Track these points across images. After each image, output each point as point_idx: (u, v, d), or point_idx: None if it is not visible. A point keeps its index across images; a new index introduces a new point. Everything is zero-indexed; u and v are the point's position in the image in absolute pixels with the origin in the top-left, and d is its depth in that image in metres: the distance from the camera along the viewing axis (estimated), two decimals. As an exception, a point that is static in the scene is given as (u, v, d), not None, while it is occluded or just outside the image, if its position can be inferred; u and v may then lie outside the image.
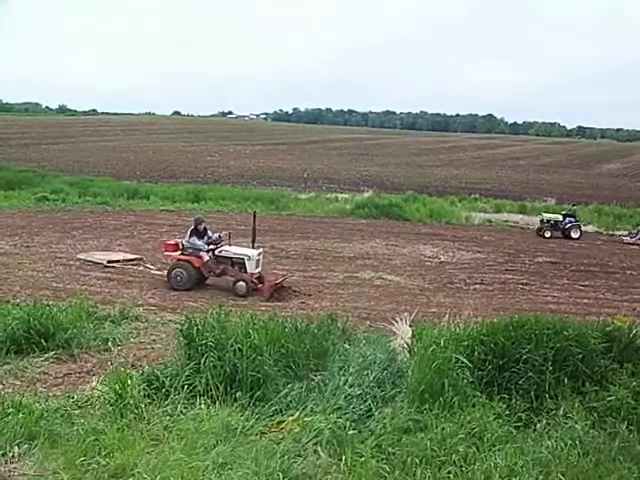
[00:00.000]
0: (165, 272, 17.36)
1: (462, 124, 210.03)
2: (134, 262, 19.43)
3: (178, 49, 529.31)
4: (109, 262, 18.99)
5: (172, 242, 17.54)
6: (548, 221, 30.94)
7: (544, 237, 30.10)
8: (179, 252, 17.13)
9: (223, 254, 17.07)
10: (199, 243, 16.92)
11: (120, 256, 19.98)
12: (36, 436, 7.16)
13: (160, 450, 6.86)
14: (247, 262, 16.76)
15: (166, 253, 17.71)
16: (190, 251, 16.92)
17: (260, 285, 16.60)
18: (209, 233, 17.39)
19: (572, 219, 30.80)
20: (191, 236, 17.02)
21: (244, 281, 16.44)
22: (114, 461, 6.56)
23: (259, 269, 17.12)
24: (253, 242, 17.67)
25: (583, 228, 32.05)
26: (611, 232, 32.20)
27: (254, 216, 18.31)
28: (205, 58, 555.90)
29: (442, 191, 44.07)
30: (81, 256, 19.64)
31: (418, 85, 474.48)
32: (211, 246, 17.09)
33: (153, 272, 18.34)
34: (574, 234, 30.31)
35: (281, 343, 9.45)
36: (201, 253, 16.82)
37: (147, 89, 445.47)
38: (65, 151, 62.12)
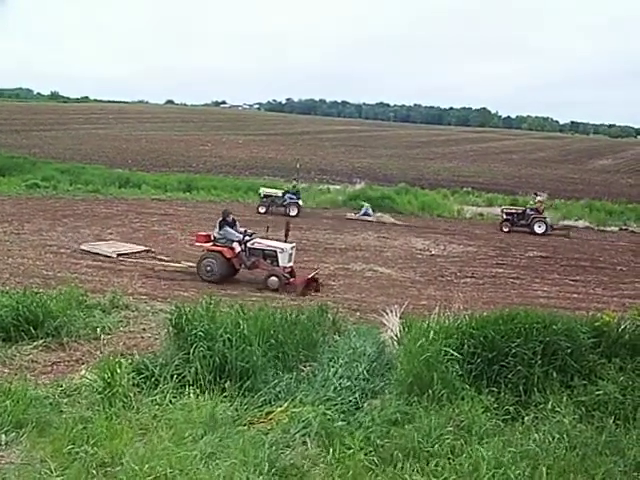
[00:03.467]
0: (182, 264, 17.25)
1: (456, 117, 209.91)
2: (142, 254, 19.21)
3: (172, 38, 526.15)
4: (119, 255, 18.68)
5: (204, 233, 17.40)
6: (267, 196, 29.95)
7: (259, 213, 29.12)
8: (211, 243, 16.93)
9: (255, 246, 16.90)
10: (234, 233, 16.77)
11: (127, 248, 19.69)
12: (24, 424, 7.15)
13: (148, 439, 6.86)
14: (279, 255, 16.58)
15: (197, 244, 17.48)
16: (222, 242, 16.74)
17: (292, 279, 16.46)
18: (237, 226, 17.24)
19: (293, 196, 29.87)
20: (222, 227, 16.83)
21: (276, 276, 16.24)
22: (102, 450, 6.54)
23: (291, 263, 16.91)
24: (286, 236, 17.44)
25: (574, 223, 32.04)
26: (602, 228, 32.21)
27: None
28: (199, 47, 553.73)
29: (434, 184, 44.09)
30: (85, 247, 19.32)
31: (412, 78, 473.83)
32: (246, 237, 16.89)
33: (172, 265, 18.02)
34: (292, 211, 29.36)
35: (271, 334, 9.46)
36: (234, 244, 16.66)
37: (140, 77, 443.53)
38: (57, 138, 61.75)
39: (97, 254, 18.67)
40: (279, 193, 29.97)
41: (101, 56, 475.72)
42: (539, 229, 29.40)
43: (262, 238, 17.25)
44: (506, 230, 29.49)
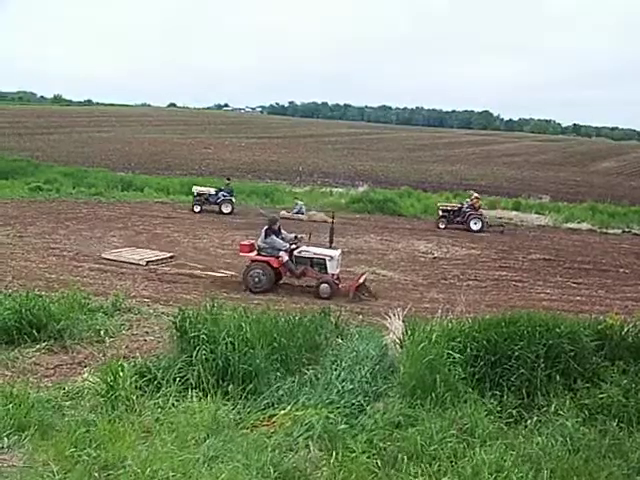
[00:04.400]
0: (222, 272, 17.07)
1: (458, 120, 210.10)
2: (171, 260, 18.86)
3: (175, 41, 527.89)
4: (148, 263, 18.21)
5: (247, 243, 17.02)
6: (200, 195, 29.48)
7: (194, 212, 28.86)
8: (255, 253, 16.59)
9: (303, 254, 16.56)
10: (281, 242, 16.38)
11: (151, 254, 19.17)
12: (26, 427, 7.13)
13: (151, 442, 6.84)
14: (328, 263, 16.29)
15: (242, 254, 16.93)
16: (269, 251, 16.40)
17: (343, 286, 16.31)
18: (283, 233, 16.85)
19: (226, 194, 29.62)
20: (267, 236, 16.38)
21: (327, 283, 16.01)
22: (105, 453, 6.53)
23: (338, 269, 16.65)
24: (331, 242, 17.28)
25: (576, 226, 32.00)
26: (604, 230, 32.14)
27: (332, 216, 18.12)
28: (202, 50, 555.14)
29: (437, 187, 44.10)
30: (107, 256, 18.68)
31: (415, 80, 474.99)
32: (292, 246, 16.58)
33: (212, 274, 17.49)
34: (225, 209, 29.18)
35: (273, 337, 9.43)
36: (280, 253, 16.28)
37: (143, 80, 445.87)
38: (60, 141, 61.92)
39: (122, 262, 18.19)
40: (212, 191, 29.59)
41: (104, 59, 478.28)
42: (475, 226, 29.16)
43: (308, 245, 16.92)
44: (442, 227, 29.18)
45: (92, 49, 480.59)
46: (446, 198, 37.22)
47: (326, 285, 16.01)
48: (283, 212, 29.53)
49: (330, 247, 17.12)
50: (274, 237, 16.41)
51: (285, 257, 16.31)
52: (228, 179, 32.38)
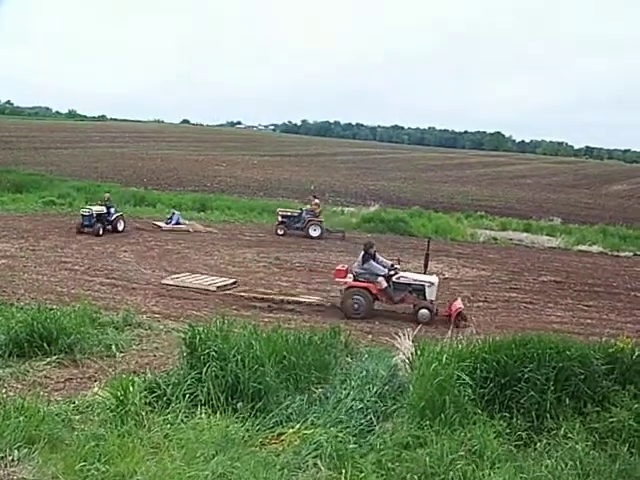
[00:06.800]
0: (314, 298, 16.90)
1: (470, 141, 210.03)
2: (233, 285, 18.19)
3: (189, 58, 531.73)
4: (219, 288, 17.62)
5: (342, 268, 16.78)
6: (85, 215, 25.53)
7: (81, 232, 25.25)
8: (351, 278, 16.27)
9: (401, 280, 16.28)
10: (380, 267, 16.21)
11: (217, 280, 18.48)
12: (36, 440, 7.15)
13: (160, 458, 6.85)
14: (427, 289, 16.06)
15: (337, 279, 16.68)
16: (366, 277, 16.14)
17: (443, 311, 16.11)
18: (379, 258, 16.64)
19: (110, 211, 26.31)
20: (365, 261, 16.16)
21: (427, 308, 15.81)
22: (114, 468, 6.55)
23: (434, 296, 16.39)
24: (425, 267, 17.19)
25: (588, 248, 31.84)
26: (616, 253, 31.99)
27: (428, 242, 18.03)
28: (216, 68, 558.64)
29: (448, 207, 44.03)
30: (168, 282, 18.00)
31: (427, 101, 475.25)
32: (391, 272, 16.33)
33: (304, 300, 16.96)
34: (120, 226, 26.42)
35: (283, 355, 9.45)
36: (379, 279, 16.02)
37: (157, 97, 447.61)
38: (73, 156, 62.28)
39: (186, 288, 17.61)
40: (104, 209, 26.57)
41: (118, 75, 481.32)
42: (314, 232, 28.81)
43: (405, 271, 16.74)
44: (281, 233, 28.74)
45: (107, 65, 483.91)
46: (457, 219, 37.22)
47: (426, 311, 15.77)
48: (161, 223, 28.43)
49: (425, 272, 17.02)
50: (372, 262, 16.20)
51: (384, 283, 16.06)
52: (108, 192, 30.04)
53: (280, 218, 29.53)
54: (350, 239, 28.97)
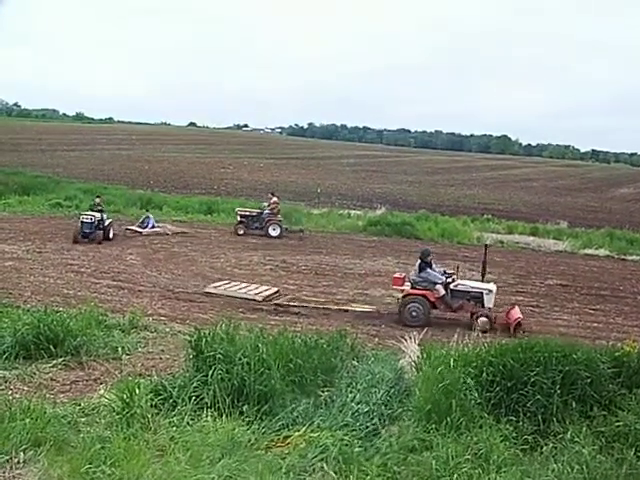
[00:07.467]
0: (367, 307, 16.84)
1: (476, 144, 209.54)
2: (276, 295, 17.69)
3: (196, 61, 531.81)
4: (264, 299, 17.10)
5: (399, 276, 16.81)
6: (92, 222, 24.48)
7: (78, 242, 23.77)
8: (409, 286, 16.31)
9: (459, 288, 16.32)
10: (437, 275, 16.22)
11: (261, 289, 18.00)
12: (42, 442, 7.18)
13: (165, 461, 6.86)
14: (485, 296, 16.04)
15: (394, 287, 16.68)
16: (424, 285, 16.12)
17: (502, 320, 16.00)
18: (434, 266, 16.62)
19: (102, 216, 25.16)
20: (422, 270, 16.15)
21: (487, 317, 15.72)
22: (119, 470, 6.55)
23: (492, 303, 16.34)
24: (483, 275, 17.23)
25: (594, 252, 31.70)
26: (622, 257, 31.85)
27: (485, 248, 18.07)
28: (222, 71, 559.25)
29: (454, 211, 43.95)
30: (212, 290, 17.61)
31: (433, 104, 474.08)
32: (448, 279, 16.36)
33: (358, 309, 16.77)
34: (111, 233, 25.31)
35: (290, 358, 9.44)
36: (437, 287, 16.02)
37: (164, 100, 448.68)
38: (80, 158, 62.44)
39: (231, 297, 17.19)
40: (98, 215, 25.18)
41: (125, 78, 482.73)
42: (274, 232, 28.60)
43: (463, 279, 16.76)
44: (241, 233, 28.50)
45: (113, 68, 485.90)
46: (463, 222, 37.14)
47: (485, 319, 15.66)
48: (137, 227, 27.75)
49: (482, 280, 17.03)
50: (429, 270, 16.20)
51: (442, 291, 16.05)
52: (98, 197, 28.64)
53: (239, 218, 29.29)
54: (310, 238, 29.16)
